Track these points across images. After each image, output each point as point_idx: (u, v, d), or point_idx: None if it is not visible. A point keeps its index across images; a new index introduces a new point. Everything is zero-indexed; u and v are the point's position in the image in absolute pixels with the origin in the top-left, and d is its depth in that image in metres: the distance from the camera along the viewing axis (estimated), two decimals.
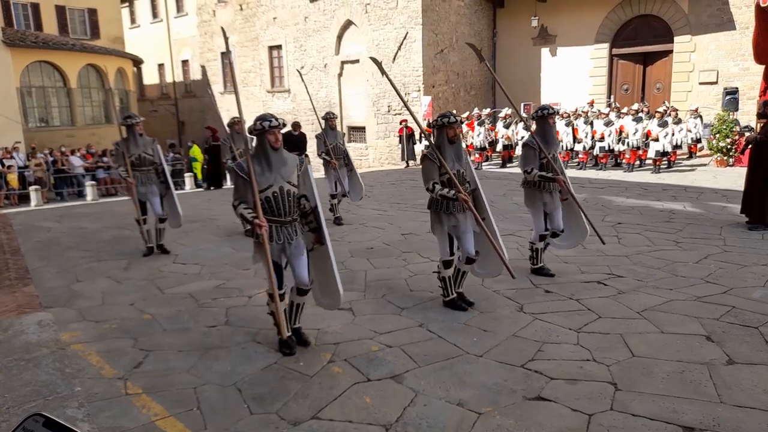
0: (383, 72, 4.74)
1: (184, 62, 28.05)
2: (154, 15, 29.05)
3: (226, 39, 4.03)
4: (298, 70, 10.22)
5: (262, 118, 3.76)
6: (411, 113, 5.04)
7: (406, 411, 3.17)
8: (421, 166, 4.55)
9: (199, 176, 17.54)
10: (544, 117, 5.34)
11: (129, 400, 3.40)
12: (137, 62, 24.68)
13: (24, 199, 14.27)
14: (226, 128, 7.97)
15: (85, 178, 16.08)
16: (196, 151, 19.53)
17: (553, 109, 5.43)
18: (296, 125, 10.90)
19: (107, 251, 7.25)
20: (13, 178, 15.10)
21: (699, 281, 5.20)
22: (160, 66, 29.23)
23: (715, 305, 4.57)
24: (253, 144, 3.99)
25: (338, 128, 8.92)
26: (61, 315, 4.85)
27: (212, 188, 14.23)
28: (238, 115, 8.65)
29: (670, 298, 4.79)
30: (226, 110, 24.94)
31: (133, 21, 30.08)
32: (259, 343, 4.16)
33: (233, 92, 25.26)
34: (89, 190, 13.86)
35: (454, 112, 5.84)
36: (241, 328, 4.46)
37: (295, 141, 10.31)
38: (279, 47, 22.05)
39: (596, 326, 4.27)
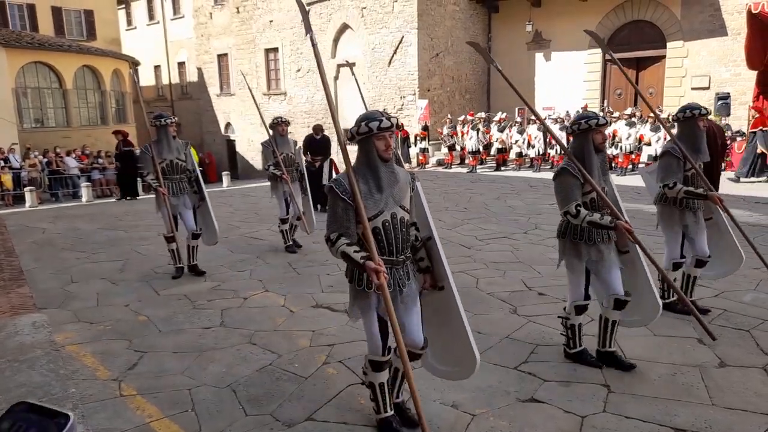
0: (490, 60, 3.89)
1: (181, 64, 28.03)
2: (151, 17, 29.04)
3: (304, 13, 3.08)
4: (347, 62, 8.69)
5: (367, 117, 2.72)
6: (541, 122, 4.61)
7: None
8: (555, 182, 3.58)
9: None
10: (693, 118, 4.24)
11: (123, 401, 3.40)
12: (133, 64, 24.64)
13: (18, 199, 14.20)
14: (268, 129, 7.02)
15: (80, 179, 16.04)
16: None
17: (705, 108, 4.28)
18: (318, 128, 9.92)
19: (102, 252, 7.24)
20: (7, 179, 15.05)
21: None
22: (157, 68, 29.21)
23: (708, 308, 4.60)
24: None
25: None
26: (56, 316, 4.84)
27: (127, 198, 13.19)
28: (280, 115, 7.14)
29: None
30: (223, 112, 24.96)
31: (129, 23, 30.05)
32: (254, 345, 4.16)
33: (230, 94, 25.20)
34: (84, 191, 13.83)
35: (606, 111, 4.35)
36: (236, 330, 4.46)
37: (318, 146, 9.70)
38: (275, 50, 22.07)
39: (589, 328, 4.29)
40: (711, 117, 13.34)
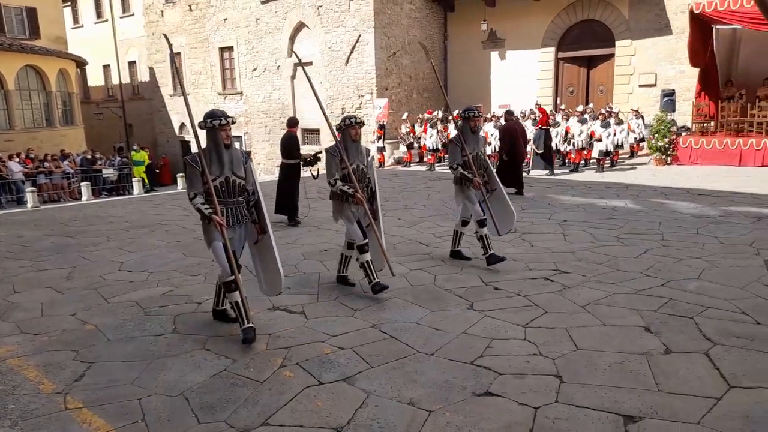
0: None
1: (131, 63, 27.19)
2: (98, 15, 28.07)
3: None
4: (422, 45, 7.07)
5: None
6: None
7: (358, 413, 3.17)
8: None
9: (146, 180, 17.21)
10: None
11: (69, 415, 3.26)
12: (81, 63, 23.72)
13: None
14: (335, 133, 5.21)
15: (25, 184, 15.32)
16: (143, 156, 19.29)
17: None
18: (295, 123, 8.77)
19: (48, 260, 6.93)
20: None
21: (639, 275, 5.43)
22: (106, 67, 28.26)
23: (654, 297, 4.78)
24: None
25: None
26: None
27: None
28: (353, 115, 5.29)
29: (612, 291, 4.98)
30: (177, 113, 24.32)
31: (76, 21, 28.94)
32: (208, 351, 4.06)
33: (182, 95, 24.87)
34: (29, 196, 13.20)
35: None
36: (190, 336, 4.35)
37: (294, 145, 8.67)
38: (230, 49, 21.68)
39: (543, 321, 4.39)
40: (658, 113, 13.93)
